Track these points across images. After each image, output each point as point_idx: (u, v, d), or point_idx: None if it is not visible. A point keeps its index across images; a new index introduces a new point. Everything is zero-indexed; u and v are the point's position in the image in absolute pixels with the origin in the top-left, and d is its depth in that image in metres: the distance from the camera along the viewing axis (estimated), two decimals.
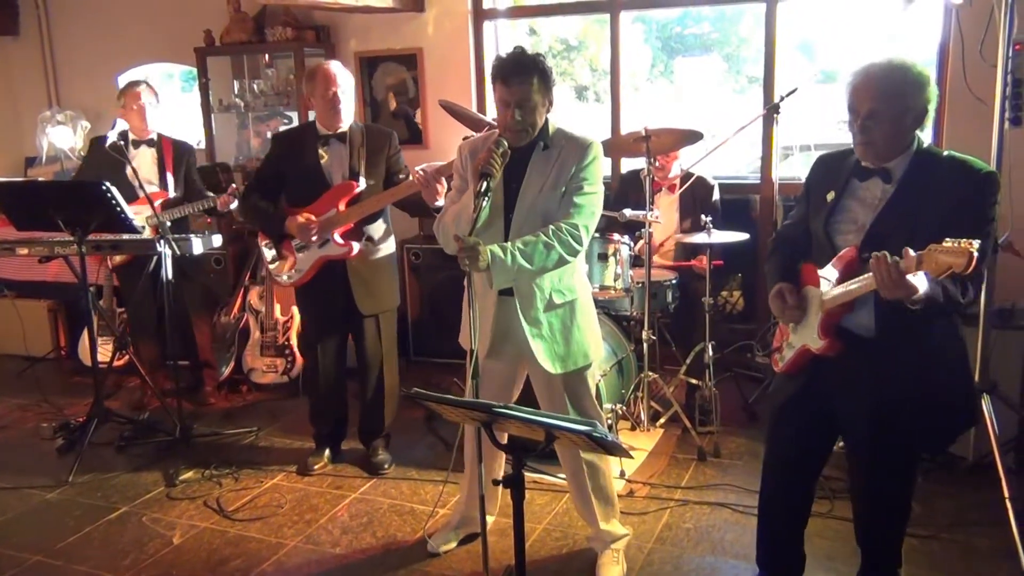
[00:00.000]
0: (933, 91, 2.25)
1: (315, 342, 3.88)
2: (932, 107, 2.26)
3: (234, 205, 4.37)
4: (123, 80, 6.06)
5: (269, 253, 3.85)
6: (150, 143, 4.48)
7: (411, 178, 3.57)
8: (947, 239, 1.94)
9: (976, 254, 1.90)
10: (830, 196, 2.41)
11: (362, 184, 3.66)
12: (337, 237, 3.66)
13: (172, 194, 4.45)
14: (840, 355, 2.35)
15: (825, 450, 2.61)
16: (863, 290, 2.21)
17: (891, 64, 2.23)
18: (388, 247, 3.83)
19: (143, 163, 4.45)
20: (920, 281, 2.03)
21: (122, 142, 4.21)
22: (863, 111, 2.25)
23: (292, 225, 3.64)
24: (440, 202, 3.49)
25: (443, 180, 3.45)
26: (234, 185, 4.35)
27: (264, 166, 3.87)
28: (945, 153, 2.32)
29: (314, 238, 3.64)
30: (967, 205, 2.20)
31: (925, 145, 2.31)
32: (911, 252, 2.00)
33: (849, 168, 2.40)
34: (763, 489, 2.73)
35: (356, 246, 3.68)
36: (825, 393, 2.44)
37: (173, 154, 4.51)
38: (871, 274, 2.12)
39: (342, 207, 3.65)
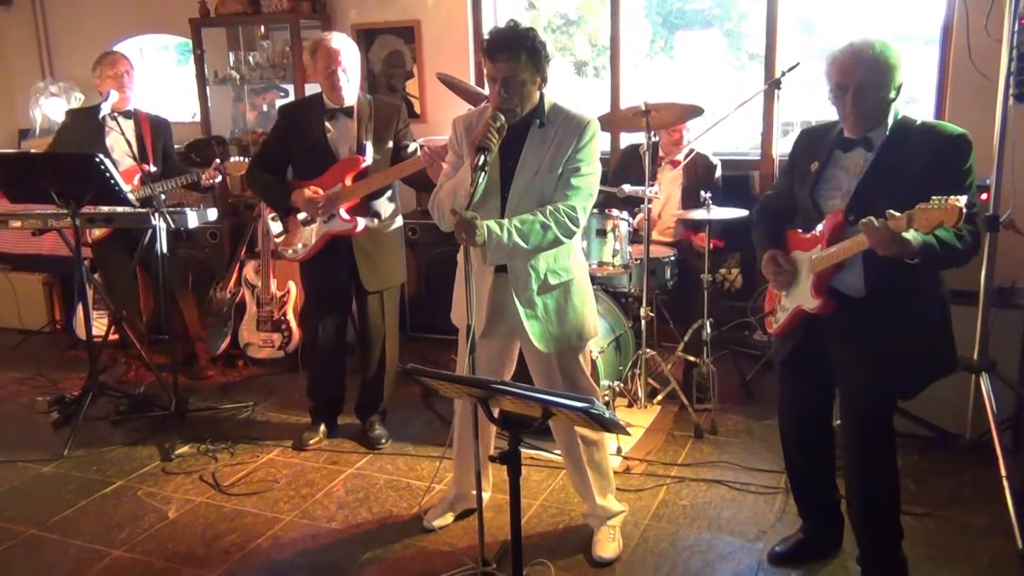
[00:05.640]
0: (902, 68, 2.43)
1: (316, 317, 3.87)
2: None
3: (217, 179, 4.31)
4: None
5: (276, 227, 3.82)
6: (127, 115, 4.37)
7: (418, 153, 3.52)
8: (934, 197, 2.10)
9: (963, 208, 2.05)
10: (814, 166, 2.56)
11: (369, 159, 3.62)
12: (343, 212, 3.62)
13: (152, 168, 4.36)
14: (832, 314, 2.51)
15: (831, 399, 2.75)
16: (853, 250, 2.37)
17: (873, 42, 2.39)
18: (395, 223, 3.78)
19: (116, 136, 4.32)
20: (912, 236, 2.18)
21: (116, 114, 4.17)
22: (852, 84, 2.39)
23: (298, 199, 3.60)
24: None
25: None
26: (217, 160, 4.29)
27: (271, 138, 3.82)
28: (919, 121, 2.47)
29: (321, 212, 3.61)
30: (940, 164, 2.36)
31: (901, 115, 2.46)
32: (896, 213, 2.15)
33: (832, 140, 2.54)
34: (784, 443, 2.90)
35: (362, 222, 3.63)
36: (820, 346, 2.60)
37: (151, 128, 4.43)
38: (860, 235, 2.29)
39: (348, 182, 3.61)
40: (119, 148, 4.27)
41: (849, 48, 2.40)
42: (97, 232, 4.43)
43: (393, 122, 3.69)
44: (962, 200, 2.05)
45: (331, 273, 3.73)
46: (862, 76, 2.37)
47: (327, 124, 3.62)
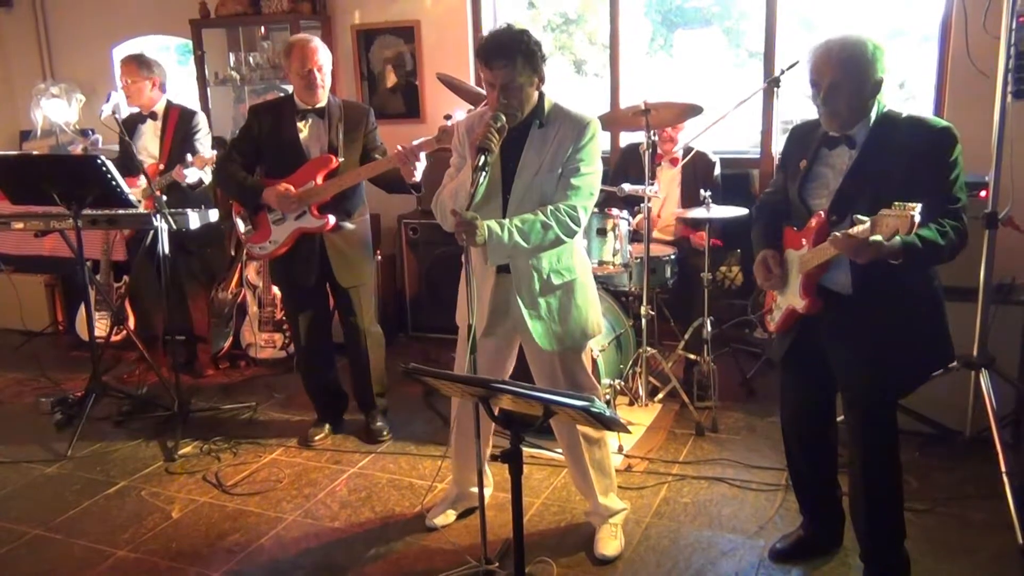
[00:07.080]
0: (886, 63, 2.38)
1: (294, 314, 3.91)
2: (886, 77, 2.39)
3: (190, 176, 4.27)
4: (119, 52, 6.02)
5: (243, 224, 3.85)
6: (152, 116, 4.49)
7: (389, 154, 3.56)
8: (895, 203, 2.08)
9: (916, 216, 2.03)
10: (803, 164, 2.56)
11: (340, 158, 3.66)
12: (314, 209, 3.66)
13: (161, 166, 4.39)
14: (824, 312, 2.51)
15: (831, 394, 2.75)
16: (830, 252, 2.36)
17: (848, 39, 2.37)
18: (363, 222, 3.83)
19: (145, 138, 4.47)
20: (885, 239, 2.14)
21: (144, 116, 4.33)
22: (825, 83, 2.38)
23: (270, 195, 3.64)
24: (417, 178, 3.49)
25: (421, 157, 3.44)
26: (189, 157, 4.29)
27: (241, 137, 3.84)
28: (904, 115, 2.44)
29: (293, 208, 3.64)
30: (924, 159, 2.34)
31: (885, 110, 2.44)
32: (863, 218, 2.15)
33: (819, 138, 2.54)
34: (785, 440, 2.90)
35: (332, 219, 3.67)
36: (817, 344, 2.60)
37: (175, 125, 4.48)
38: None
39: (320, 180, 3.65)
40: (146, 151, 4.42)
41: (823, 46, 2.39)
42: (127, 232, 4.49)
43: (362, 124, 3.74)
44: (916, 208, 2.04)
45: (302, 269, 3.76)
46: (833, 75, 2.35)
47: (299, 124, 3.67)
